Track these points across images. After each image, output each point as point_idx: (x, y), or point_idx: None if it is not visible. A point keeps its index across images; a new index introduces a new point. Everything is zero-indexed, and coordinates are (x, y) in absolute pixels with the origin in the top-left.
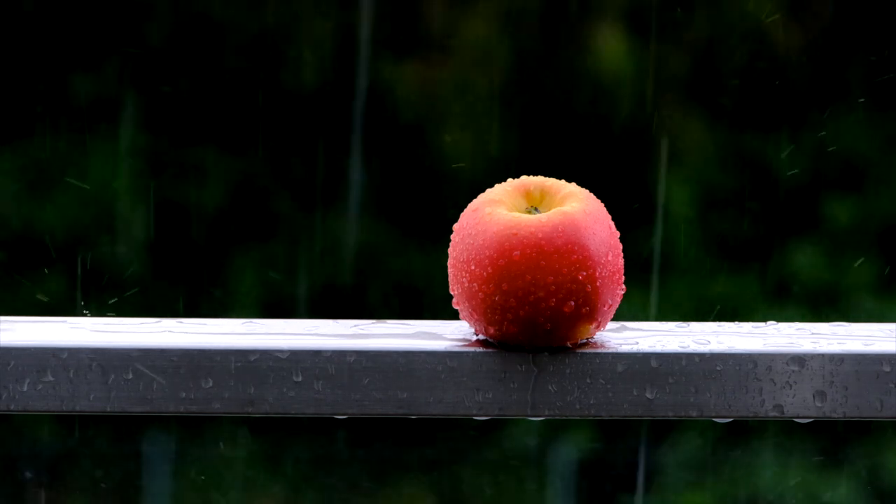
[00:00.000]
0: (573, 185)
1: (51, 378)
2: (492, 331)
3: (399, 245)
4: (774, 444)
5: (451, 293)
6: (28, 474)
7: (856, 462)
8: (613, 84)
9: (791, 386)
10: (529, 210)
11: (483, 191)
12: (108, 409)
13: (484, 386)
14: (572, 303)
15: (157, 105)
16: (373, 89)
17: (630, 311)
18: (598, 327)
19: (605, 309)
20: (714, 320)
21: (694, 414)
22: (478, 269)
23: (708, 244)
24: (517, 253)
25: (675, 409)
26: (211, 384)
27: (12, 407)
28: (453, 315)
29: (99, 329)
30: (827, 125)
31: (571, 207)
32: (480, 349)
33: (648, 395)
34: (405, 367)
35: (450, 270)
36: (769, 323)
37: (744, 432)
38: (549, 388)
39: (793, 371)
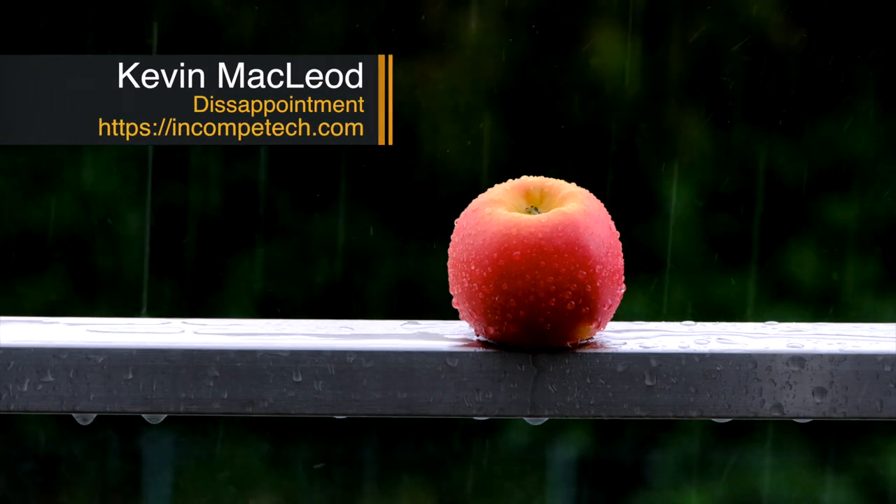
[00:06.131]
0: (573, 185)
1: (51, 378)
2: (492, 331)
3: (399, 245)
4: (774, 445)
5: (451, 293)
6: (28, 474)
7: (856, 462)
8: (612, 84)
9: (791, 386)
10: (529, 210)
11: (483, 191)
12: (108, 409)
13: (484, 386)
14: (572, 303)
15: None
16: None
17: (630, 311)
18: (598, 327)
19: (605, 309)
20: (714, 320)
21: (694, 414)
22: (478, 270)
23: (708, 244)
24: (517, 253)
25: (675, 410)
26: (211, 384)
27: (12, 407)
28: (453, 315)
29: (99, 329)
30: (827, 125)
31: (571, 208)
32: (480, 349)
33: (648, 396)
34: (405, 367)
35: (450, 270)
36: (769, 323)
37: (743, 432)
38: (549, 388)
39: (793, 371)
